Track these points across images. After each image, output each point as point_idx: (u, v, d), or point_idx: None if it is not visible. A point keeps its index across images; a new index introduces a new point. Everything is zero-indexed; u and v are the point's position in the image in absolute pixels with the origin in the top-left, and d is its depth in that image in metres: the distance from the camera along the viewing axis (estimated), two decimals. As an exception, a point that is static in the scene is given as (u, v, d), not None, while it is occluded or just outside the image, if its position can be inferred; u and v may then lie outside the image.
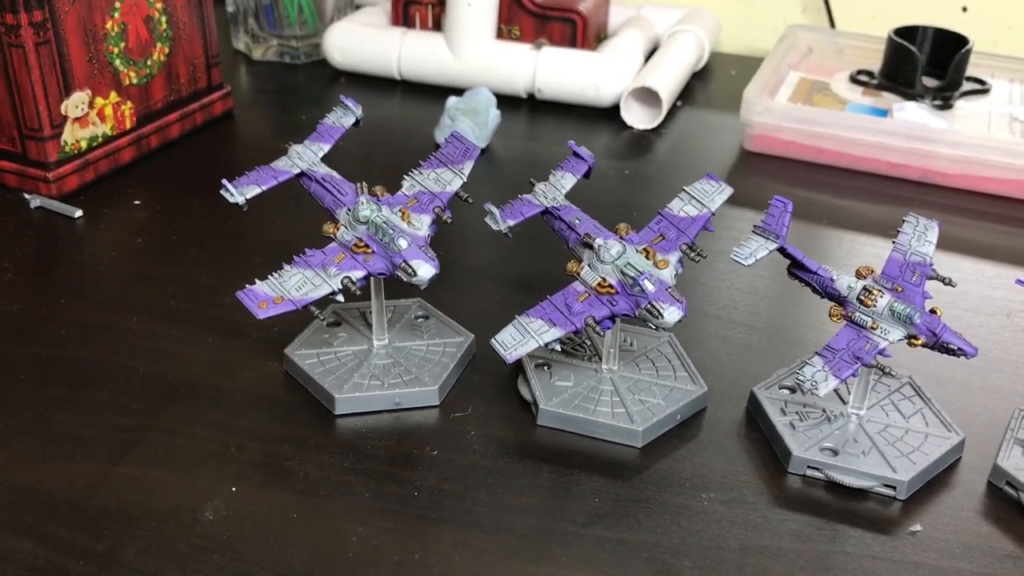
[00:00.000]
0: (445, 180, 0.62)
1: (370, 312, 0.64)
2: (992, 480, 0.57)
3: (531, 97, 1.07)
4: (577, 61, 1.04)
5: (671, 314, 0.55)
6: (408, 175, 0.62)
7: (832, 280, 0.57)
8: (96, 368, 0.64)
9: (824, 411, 0.60)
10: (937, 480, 0.57)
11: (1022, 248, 0.83)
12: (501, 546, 0.52)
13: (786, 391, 0.62)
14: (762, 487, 0.56)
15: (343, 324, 0.67)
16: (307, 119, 1.02)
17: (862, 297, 0.55)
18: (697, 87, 1.14)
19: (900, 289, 0.56)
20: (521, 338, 0.57)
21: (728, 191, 0.61)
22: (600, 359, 0.63)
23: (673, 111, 1.06)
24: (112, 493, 0.54)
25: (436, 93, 1.06)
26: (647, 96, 1.01)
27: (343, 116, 0.66)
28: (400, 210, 0.59)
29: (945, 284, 0.57)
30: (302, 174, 0.62)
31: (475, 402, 0.62)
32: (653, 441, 0.59)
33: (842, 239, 0.84)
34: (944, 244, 0.84)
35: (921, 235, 0.58)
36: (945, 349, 0.53)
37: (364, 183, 0.61)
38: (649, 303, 0.55)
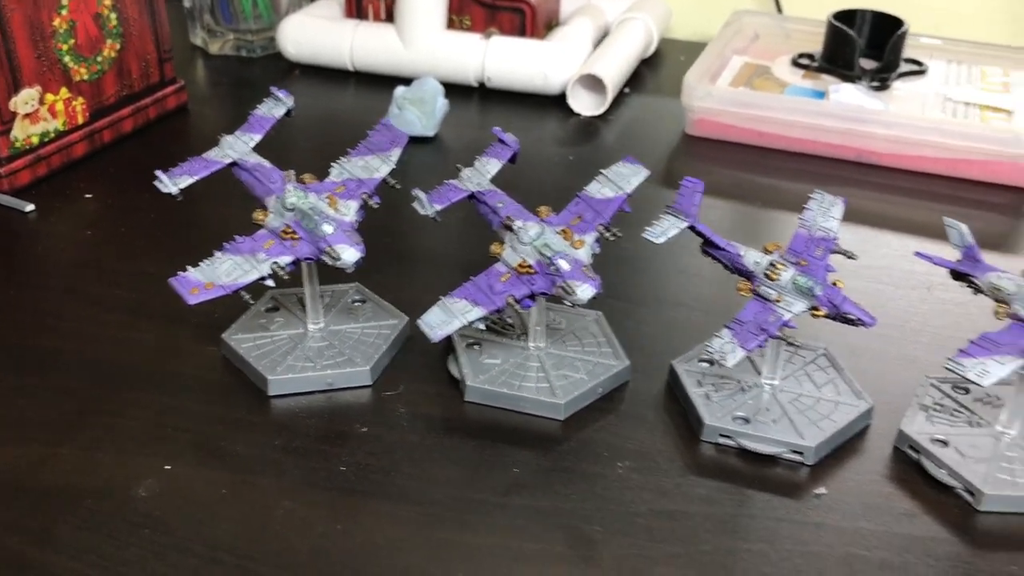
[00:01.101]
0: (373, 167, 0.64)
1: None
2: (897, 444, 0.59)
3: (482, 86, 1.09)
4: (525, 50, 1.06)
5: (584, 291, 0.57)
6: (336, 163, 0.65)
7: (740, 256, 0.59)
8: (43, 355, 0.66)
9: (739, 382, 0.62)
10: (846, 446, 0.60)
11: (941, 223, 0.86)
12: (423, 516, 0.54)
13: (705, 364, 0.64)
14: (676, 455, 0.59)
15: (281, 309, 0.69)
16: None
17: (767, 271, 0.58)
18: (646, 73, 1.16)
19: (804, 263, 0.58)
20: (446, 318, 0.59)
21: (645, 173, 0.63)
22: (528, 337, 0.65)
23: (621, 97, 1.09)
24: (53, 474, 0.57)
25: (390, 83, 1.07)
26: (594, 83, 1.04)
27: (274, 107, 0.68)
28: (327, 197, 0.61)
29: (848, 257, 0.59)
30: (234, 163, 0.64)
31: (407, 381, 0.64)
32: (576, 414, 0.62)
33: (778, 219, 0.87)
34: (876, 221, 0.88)
35: (826, 211, 0.61)
36: (845, 319, 0.56)
37: (292, 171, 0.63)
38: (564, 281, 0.57)
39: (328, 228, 0.59)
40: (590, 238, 0.60)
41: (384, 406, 0.62)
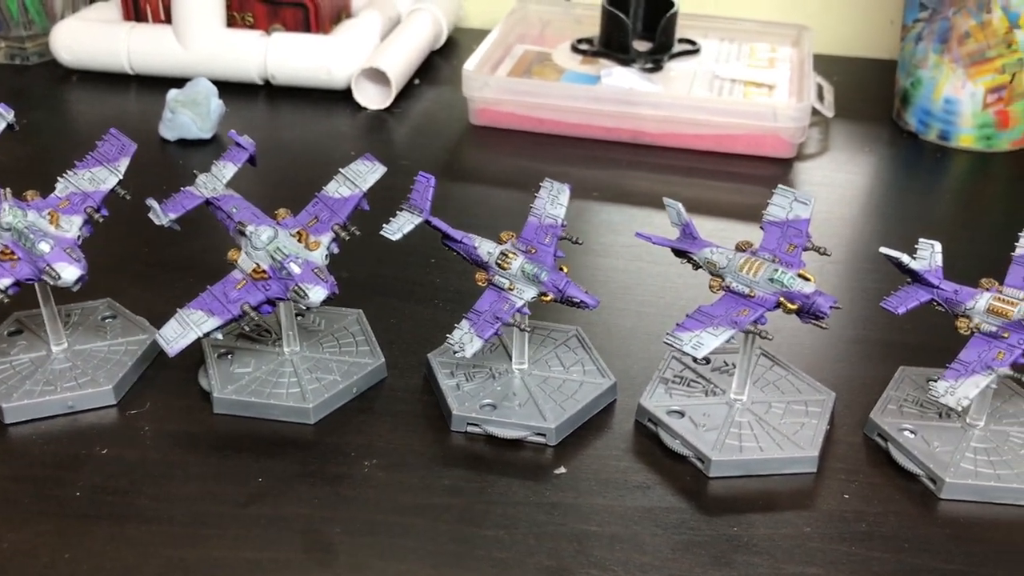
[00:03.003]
0: (100, 179, 0.62)
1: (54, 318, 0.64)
2: (638, 418, 0.61)
3: (268, 84, 1.07)
4: (307, 45, 1.05)
5: (316, 294, 0.57)
6: (63, 176, 0.62)
7: (475, 247, 0.60)
8: None
9: (491, 370, 0.63)
10: (592, 424, 0.61)
11: (716, 199, 0.89)
12: (157, 534, 0.53)
13: (459, 355, 0.65)
14: (424, 449, 0.59)
15: (25, 332, 0.66)
16: (33, 121, 1.00)
17: (499, 261, 0.59)
18: (441, 64, 1.17)
19: (534, 251, 0.59)
20: (182, 330, 0.58)
21: (381, 170, 0.63)
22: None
23: (411, 89, 1.08)
24: None
25: (172, 86, 1.04)
26: (381, 77, 1.03)
27: (-7, 124, 0.65)
28: (49, 213, 0.59)
29: (573, 243, 0.61)
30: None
31: (156, 397, 0.63)
32: (330, 416, 0.62)
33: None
34: (648, 201, 0.90)
35: (554, 199, 0.62)
36: (571, 302, 0.57)
37: (8, 189, 0.60)
38: (296, 284, 0.57)
39: (45, 247, 0.56)
40: (326, 239, 0.60)
41: (129, 425, 0.60)
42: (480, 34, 1.25)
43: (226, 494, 0.56)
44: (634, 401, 0.63)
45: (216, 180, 0.63)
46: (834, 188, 0.92)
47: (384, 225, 0.61)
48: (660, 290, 0.75)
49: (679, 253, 0.60)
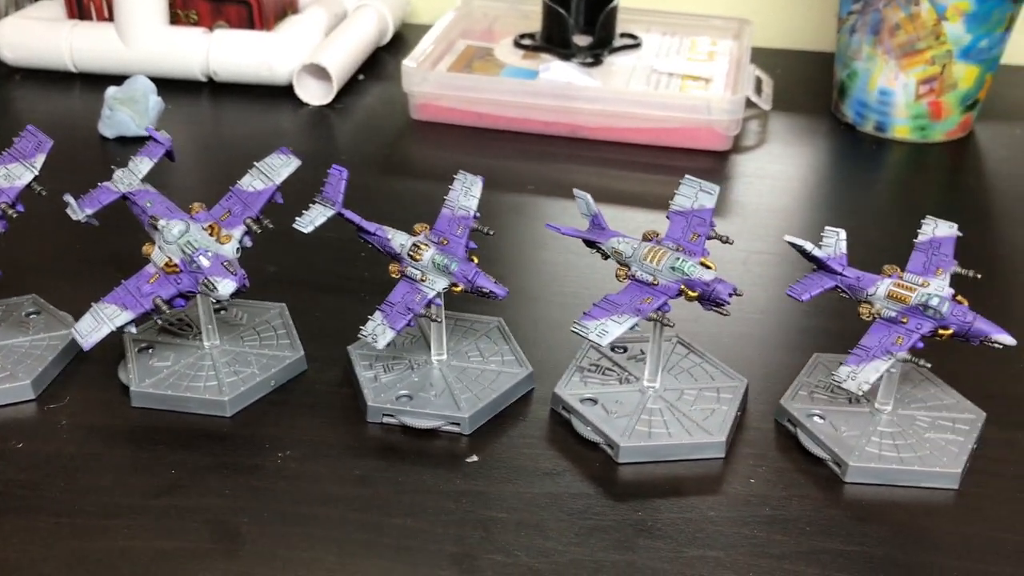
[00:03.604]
0: (15, 175, 0.62)
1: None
2: (553, 407, 0.62)
3: (211, 81, 1.07)
4: (249, 42, 1.05)
5: (224, 287, 0.57)
6: (-25, 174, 0.62)
7: (388, 239, 0.60)
8: None
9: (410, 361, 0.64)
10: (508, 413, 0.62)
11: (652, 192, 0.90)
12: (65, 526, 0.53)
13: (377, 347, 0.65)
14: (339, 440, 0.60)
15: (-54, 329, 0.66)
16: (-28, 121, 1.00)
17: (411, 252, 0.59)
18: (387, 60, 1.17)
19: (445, 242, 0.60)
20: (96, 324, 0.58)
21: (295, 163, 0.64)
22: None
23: (355, 85, 1.09)
24: None
25: (116, 84, 1.05)
26: (324, 73, 1.03)
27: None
28: (-39, 210, 0.59)
29: (484, 234, 0.61)
30: None
31: (76, 392, 0.63)
32: (248, 409, 0.62)
33: (493, 200, 0.89)
34: (598, 195, 0.91)
35: (467, 191, 0.63)
36: (480, 293, 0.58)
37: (-79, 187, 0.60)
38: (205, 278, 0.57)
39: (-48, 242, 0.57)
40: (238, 232, 0.60)
41: (46, 419, 0.61)
42: (427, 30, 1.26)
43: (138, 486, 0.56)
44: (548, 390, 0.63)
45: (132, 175, 0.63)
46: (769, 180, 0.93)
47: (296, 218, 0.61)
48: (587, 281, 0.75)
49: (589, 243, 0.61)
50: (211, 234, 0.59)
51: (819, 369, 0.64)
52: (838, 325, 0.69)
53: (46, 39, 1.07)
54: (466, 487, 0.56)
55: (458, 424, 0.60)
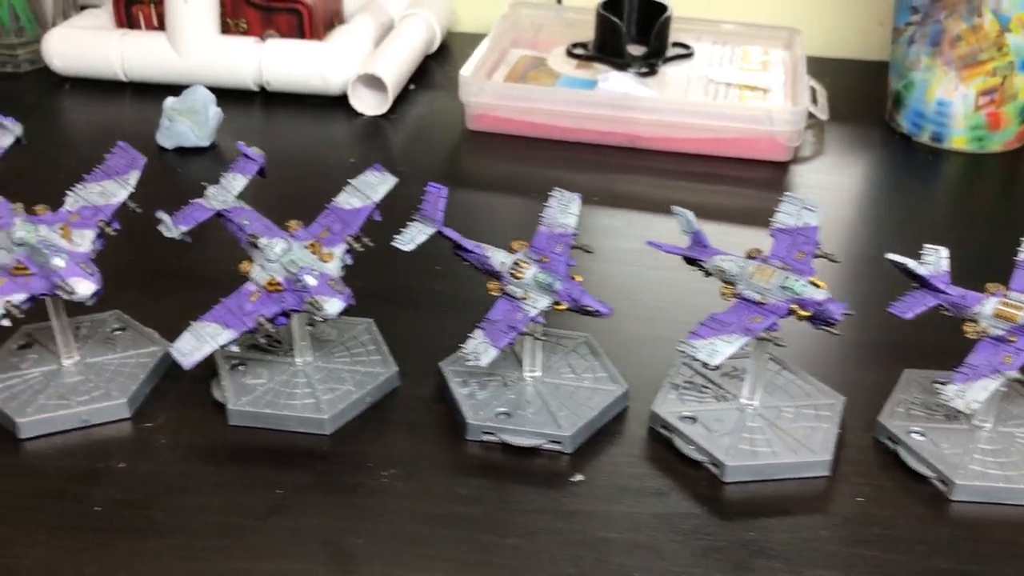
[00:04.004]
0: (110, 192, 0.62)
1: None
2: (651, 425, 0.62)
3: (263, 90, 1.07)
4: (301, 51, 1.04)
5: (332, 306, 0.57)
6: (72, 190, 0.62)
7: (487, 257, 0.60)
8: None
9: (503, 378, 0.64)
10: (606, 431, 0.62)
11: (712, 202, 0.90)
12: (176, 547, 0.53)
13: (471, 364, 0.65)
14: (441, 458, 0.59)
15: (35, 345, 0.66)
16: (28, 130, 0.98)
17: (512, 271, 0.59)
18: (435, 69, 1.17)
19: (546, 260, 0.60)
20: (197, 343, 0.58)
21: (392, 181, 0.64)
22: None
23: (406, 95, 1.09)
24: None
25: (167, 93, 1.04)
26: (376, 82, 1.03)
27: (1, 137, 0.64)
28: (61, 227, 0.59)
29: (585, 252, 0.61)
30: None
31: (169, 410, 0.63)
32: (345, 426, 0.62)
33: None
34: (646, 205, 0.91)
35: (565, 208, 0.62)
36: (584, 311, 0.58)
37: (20, 204, 0.60)
38: (312, 297, 0.57)
39: (60, 262, 0.56)
40: (339, 250, 0.60)
41: (143, 438, 0.60)
42: (472, 38, 1.25)
43: (243, 505, 0.56)
44: (645, 407, 0.63)
45: (226, 192, 0.63)
46: (830, 191, 0.93)
47: (396, 236, 0.61)
48: (665, 295, 0.75)
49: (690, 261, 0.61)
50: (313, 252, 0.59)
51: (912, 385, 0.64)
52: (916, 339, 0.68)
53: (96, 48, 1.06)
54: (574, 507, 0.56)
55: (559, 443, 0.60)
